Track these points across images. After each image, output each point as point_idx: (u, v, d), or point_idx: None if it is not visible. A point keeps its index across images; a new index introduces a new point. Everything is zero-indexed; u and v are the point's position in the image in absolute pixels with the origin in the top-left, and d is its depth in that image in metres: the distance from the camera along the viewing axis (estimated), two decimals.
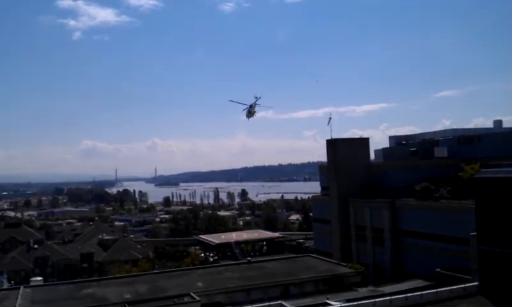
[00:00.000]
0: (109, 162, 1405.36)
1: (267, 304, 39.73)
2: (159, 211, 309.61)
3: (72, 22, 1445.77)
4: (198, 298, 44.51)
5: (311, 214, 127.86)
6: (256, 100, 67.59)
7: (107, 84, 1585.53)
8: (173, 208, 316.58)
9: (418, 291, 41.94)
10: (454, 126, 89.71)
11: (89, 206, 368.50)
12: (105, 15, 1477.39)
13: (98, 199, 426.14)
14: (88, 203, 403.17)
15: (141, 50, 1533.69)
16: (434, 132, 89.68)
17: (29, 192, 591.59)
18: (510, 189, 38.98)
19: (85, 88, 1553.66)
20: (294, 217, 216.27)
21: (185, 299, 44.89)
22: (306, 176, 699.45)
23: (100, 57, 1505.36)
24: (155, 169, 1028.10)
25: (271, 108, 69.40)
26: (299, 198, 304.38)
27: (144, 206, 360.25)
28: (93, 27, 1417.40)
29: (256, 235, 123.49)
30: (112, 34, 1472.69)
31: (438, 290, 40.96)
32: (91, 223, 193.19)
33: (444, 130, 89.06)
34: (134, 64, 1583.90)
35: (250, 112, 69.92)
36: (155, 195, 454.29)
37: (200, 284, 51.64)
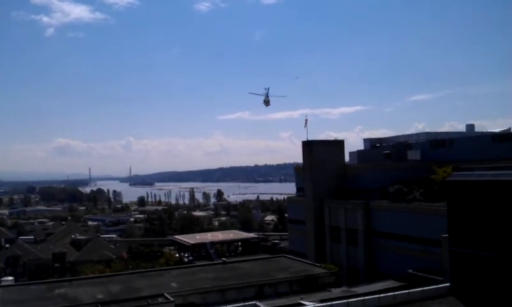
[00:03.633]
0: (83, 160, 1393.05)
1: (242, 304, 39.74)
2: (134, 211, 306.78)
3: (45, 19, 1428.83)
4: (172, 298, 44.24)
5: (286, 215, 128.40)
6: (266, 92, 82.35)
7: (81, 81, 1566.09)
8: (147, 208, 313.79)
9: (391, 291, 42.44)
10: (427, 130, 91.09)
11: (62, 205, 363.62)
12: (79, 12, 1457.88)
13: (71, 198, 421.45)
14: (61, 202, 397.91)
15: (115, 48, 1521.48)
16: (408, 135, 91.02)
17: (0, 190, 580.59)
18: (481, 192, 39.72)
19: (58, 86, 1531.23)
20: (269, 217, 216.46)
21: (159, 300, 44.54)
22: (282, 177, 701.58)
23: (74, 55, 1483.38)
24: (130, 169, 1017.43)
25: (285, 96, 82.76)
26: (274, 199, 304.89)
27: (119, 205, 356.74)
28: (66, 24, 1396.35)
29: (231, 235, 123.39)
30: (86, 31, 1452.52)
31: (411, 290, 41.48)
32: (63, 223, 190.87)
33: (417, 134, 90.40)
34: (109, 62, 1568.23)
35: (266, 101, 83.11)
36: (130, 195, 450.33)
37: (174, 284, 51.35)
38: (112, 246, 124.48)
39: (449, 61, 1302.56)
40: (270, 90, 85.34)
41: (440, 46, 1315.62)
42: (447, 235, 43.38)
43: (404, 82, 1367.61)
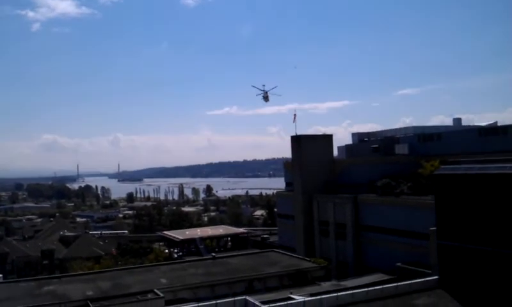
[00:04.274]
0: (70, 157, 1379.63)
1: (232, 299, 39.82)
2: (122, 207, 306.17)
3: (31, 13, 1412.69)
4: (162, 294, 44.23)
5: (275, 210, 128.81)
6: (264, 88, 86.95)
7: (67, 77, 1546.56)
8: (136, 204, 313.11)
9: (379, 285, 42.74)
10: (415, 124, 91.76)
11: (50, 202, 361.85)
12: (65, 7, 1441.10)
13: (59, 195, 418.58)
14: (49, 199, 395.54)
15: (102, 43, 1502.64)
16: (396, 129, 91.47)
17: None
18: (468, 185, 40.11)
19: (44, 81, 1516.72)
20: (258, 212, 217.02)
21: (149, 296, 44.52)
22: (271, 172, 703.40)
23: (60, 50, 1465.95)
24: (118, 165, 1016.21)
25: (280, 95, 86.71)
26: (263, 194, 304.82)
27: (107, 202, 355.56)
28: (52, 19, 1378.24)
29: (221, 230, 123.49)
30: (72, 26, 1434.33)
31: (399, 283, 41.84)
32: (51, 219, 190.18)
33: (405, 128, 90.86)
34: (95, 57, 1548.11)
35: (265, 97, 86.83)
36: (118, 191, 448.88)
37: (163, 280, 51.33)
38: (101, 242, 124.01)
39: (436, 55, 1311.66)
40: (258, 86, 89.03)
41: (427, 40, 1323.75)
42: (434, 228, 43.76)
43: (391, 77, 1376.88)
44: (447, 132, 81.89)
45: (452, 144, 74.49)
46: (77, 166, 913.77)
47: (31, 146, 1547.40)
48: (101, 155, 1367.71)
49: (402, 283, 41.77)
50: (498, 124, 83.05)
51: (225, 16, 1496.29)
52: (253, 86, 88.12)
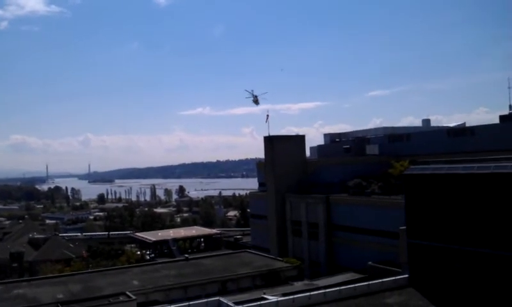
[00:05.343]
0: (40, 157, 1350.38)
1: (205, 300, 39.78)
2: (93, 208, 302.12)
3: None
4: (133, 297, 43.95)
5: (248, 210, 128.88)
6: (253, 92, 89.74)
7: (36, 76, 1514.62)
8: (107, 205, 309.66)
9: (351, 284, 43.25)
10: (385, 125, 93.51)
11: (19, 203, 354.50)
12: (34, 4, 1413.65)
13: (28, 196, 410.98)
14: (18, 201, 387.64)
15: (72, 43, 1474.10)
16: (366, 130, 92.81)
17: None
18: (437, 185, 40.90)
19: (13, 81, 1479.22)
20: (231, 213, 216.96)
21: (121, 298, 44.20)
22: (244, 173, 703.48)
23: (29, 49, 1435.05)
24: (89, 165, 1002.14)
25: (266, 94, 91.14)
26: (237, 194, 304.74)
27: (77, 203, 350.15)
28: (21, 17, 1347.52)
29: (193, 231, 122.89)
30: (41, 24, 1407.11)
31: (370, 282, 42.37)
32: (20, 221, 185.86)
33: (375, 129, 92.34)
34: (65, 56, 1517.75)
35: (255, 101, 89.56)
36: (89, 192, 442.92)
37: (135, 282, 50.98)
38: (71, 245, 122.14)
39: (406, 57, 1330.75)
40: (243, 87, 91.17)
41: (397, 42, 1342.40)
42: (404, 228, 44.48)
43: (362, 78, 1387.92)
44: (416, 133, 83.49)
45: (421, 145, 75.92)
46: (47, 167, 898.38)
47: None
48: (71, 155, 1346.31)
49: (374, 282, 42.31)
50: (466, 125, 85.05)
51: (197, 17, 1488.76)
52: (246, 90, 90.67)
